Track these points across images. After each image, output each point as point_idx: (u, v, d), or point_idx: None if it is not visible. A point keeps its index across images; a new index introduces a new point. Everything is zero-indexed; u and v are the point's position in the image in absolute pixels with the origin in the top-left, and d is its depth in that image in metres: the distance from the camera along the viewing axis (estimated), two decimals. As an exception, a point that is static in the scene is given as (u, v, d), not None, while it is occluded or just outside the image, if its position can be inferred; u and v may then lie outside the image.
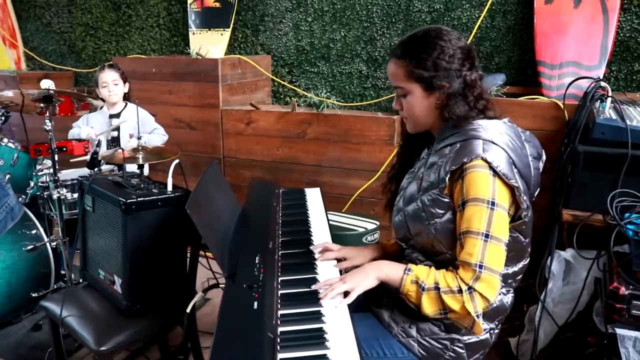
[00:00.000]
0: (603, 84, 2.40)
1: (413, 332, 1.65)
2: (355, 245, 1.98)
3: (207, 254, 2.15)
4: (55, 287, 3.07)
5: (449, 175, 1.53)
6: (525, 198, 1.54)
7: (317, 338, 1.39)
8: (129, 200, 2.02)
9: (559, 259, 2.37)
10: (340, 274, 1.76)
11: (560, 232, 2.37)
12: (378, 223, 3.08)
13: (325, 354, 1.32)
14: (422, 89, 1.62)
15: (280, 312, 1.51)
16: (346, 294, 1.58)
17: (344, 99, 4.00)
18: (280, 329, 1.43)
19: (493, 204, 1.48)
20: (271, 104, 4.32)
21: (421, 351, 1.64)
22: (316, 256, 1.85)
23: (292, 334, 1.42)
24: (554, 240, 2.33)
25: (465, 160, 1.50)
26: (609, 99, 2.31)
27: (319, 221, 2.19)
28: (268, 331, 1.35)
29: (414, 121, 1.72)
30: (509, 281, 1.68)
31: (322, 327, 1.43)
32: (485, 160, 1.49)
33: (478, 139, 1.53)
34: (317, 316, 1.49)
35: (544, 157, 1.72)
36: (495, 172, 1.49)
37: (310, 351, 1.34)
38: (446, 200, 1.56)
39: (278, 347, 1.34)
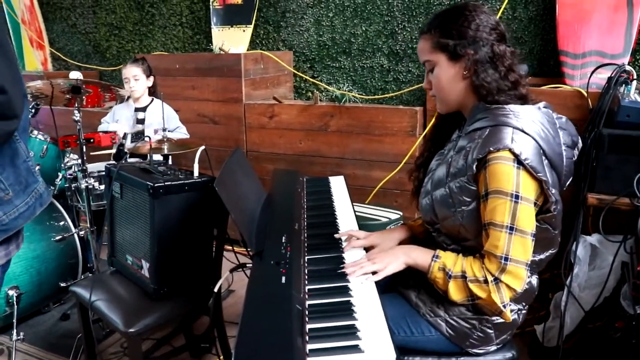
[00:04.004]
0: (628, 67, 2.38)
1: (441, 311, 1.65)
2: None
3: (234, 248, 2.17)
4: (82, 277, 3.13)
5: (475, 164, 1.50)
6: (554, 191, 1.51)
7: (345, 310, 1.40)
8: (156, 184, 2.06)
9: (584, 244, 2.36)
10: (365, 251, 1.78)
11: (585, 216, 2.36)
12: (401, 214, 3.09)
13: (354, 324, 1.33)
14: (447, 57, 1.60)
15: (307, 287, 1.53)
16: (373, 273, 1.59)
17: (365, 93, 4.01)
18: (308, 302, 1.45)
19: (517, 197, 1.45)
20: (293, 99, 4.34)
21: (449, 330, 1.64)
22: (343, 245, 1.84)
23: (320, 306, 1.43)
24: (579, 225, 2.31)
25: (491, 149, 1.46)
26: (634, 82, 2.29)
27: (344, 206, 2.20)
28: (296, 303, 1.37)
29: (442, 96, 1.68)
30: (534, 266, 1.66)
31: (349, 300, 1.45)
32: (512, 152, 1.44)
33: (508, 126, 1.49)
34: (345, 290, 1.50)
35: (579, 145, 1.67)
36: (522, 164, 1.45)
37: (338, 321, 1.35)
38: (473, 188, 1.54)
39: (307, 319, 1.36)
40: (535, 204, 1.51)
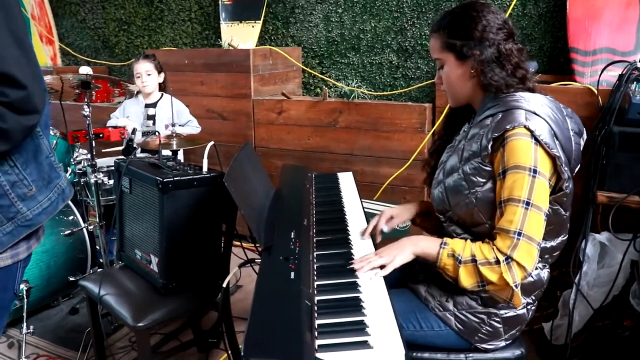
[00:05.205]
0: (639, 65, 2.37)
1: (450, 305, 1.66)
2: (387, 232, 1.98)
3: (242, 243, 2.17)
4: (91, 271, 3.14)
5: (491, 143, 1.54)
6: (566, 169, 1.54)
7: (354, 306, 1.40)
8: (166, 180, 2.06)
9: (593, 242, 2.35)
10: (375, 248, 1.78)
11: (595, 214, 2.35)
12: (409, 210, 3.08)
13: (363, 320, 1.33)
14: (455, 57, 1.66)
15: (316, 282, 1.54)
16: (382, 267, 1.60)
17: (374, 89, 4.01)
18: (317, 297, 1.45)
19: (535, 171, 1.48)
20: (302, 95, 4.34)
21: (458, 325, 1.65)
22: (352, 241, 1.85)
23: (329, 302, 1.44)
24: (588, 223, 2.30)
25: (508, 127, 1.50)
26: (646, 80, 2.28)
27: (352, 202, 2.21)
28: (305, 299, 1.37)
29: (452, 93, 1.74)
30: (546, 256, 1.67)
31: (358, 296, 1.45)
32: (528, 129, 1.49)
33: (520, 109, 1.53)
34: (354, 286, 1.50)
35: (584, 135, 1.70)
36: (538, 141, 1.49)
37: (347, 317, 1.35)
38: (488, 168, 1.56)
39: (316, 314, 1.36)
40: (549, 183, 1.54)
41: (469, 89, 1.69)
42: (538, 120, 1.51)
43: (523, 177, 1.48)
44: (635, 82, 2.30)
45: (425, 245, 1.62)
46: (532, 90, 1.64)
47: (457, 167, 1.66)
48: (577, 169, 1.68)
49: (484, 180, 1.58)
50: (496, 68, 1.60)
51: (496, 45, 1.60)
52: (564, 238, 1.69)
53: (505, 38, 1.62)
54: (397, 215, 1.96)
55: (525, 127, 1.49)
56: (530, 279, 1.64)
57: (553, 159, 1.51)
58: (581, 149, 1.67)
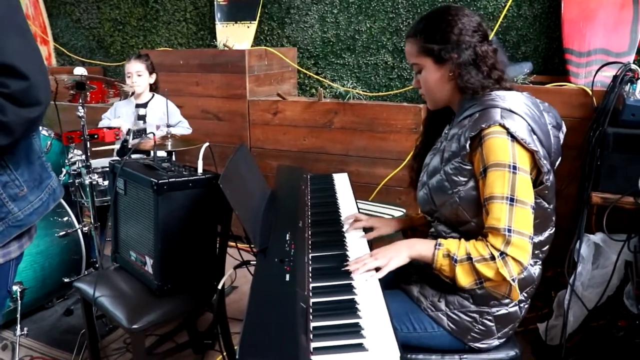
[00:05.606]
0: (633, 66, 2.38)
1: (442, 305, 1.67)
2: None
3: (237, 244, 2.18)
4: (86, 273, 3.13)
5: (469, 142, 1.56)
6: (545, 162, 1.56)
7: (349, 308, 1.40)
8: (160, 181, 2.06)
9: (588, 243, 2.36)
10: (370, 249, 1.78)
11: (589, 216, 2.36)
12: (404, 211, 3.09)
13: (358, 322, 1.33)
14: (433, 61, 1.67)
15: (311, 284, 1.53)
16: (377, 269, 1.60)
17: (369, 90, 4.01)
18: (312, 300, 1.45)
19: (514, 167, 1.50)
20: (297, 95, 4.34)
21: (450, 325, 1.66)
22: (345, 228, 1.92)
23: (324, 304, 1.43)
24: (582, 224, 2.31)
25: (483, 126, 1.53)
26: (640, 81, 2.29)
27: (348, 203, 2.21)
28: (300, 301, 1.37)
29: (431, 96, 1.76)
30: (536, 252, 1.68)
31: (353, 299, 1.45)
32: (503, 126, 1.51)
33: (496, 107, 1.56)
34: (349, 288, 1.50)
35: (564, 129, 1.73)
36: (514, 138, 1.51)
37: (342, 320, 1.35)
38: (468, 167, 1.58)
39: (311, 317, 1.36)
40: (530, 177, 1.55)
41: (448, 91, 1.71)
42: (514, 117, 1.53)
43: (503, 174, 1.50)
44: (629, 84, 2.31)
45: (420, 247, 1.63)
46: (508, 90, 1.66)
47: (439, 168, 1.68)
48: (558, 162, 1.71)
49: (465, 179, 1.60)
50: (472, 70, 1.63)
51: (473, 47, 1.63)
52: (551, 232, 1.71)
53: (481, 40, 1.65)
54: (378, 229, 2.00)
55: (500, 124, 1.51)
56: (526, 268, 1.64)
57: (531, 153, 1.53)
58: (561, 142, 1.70)
